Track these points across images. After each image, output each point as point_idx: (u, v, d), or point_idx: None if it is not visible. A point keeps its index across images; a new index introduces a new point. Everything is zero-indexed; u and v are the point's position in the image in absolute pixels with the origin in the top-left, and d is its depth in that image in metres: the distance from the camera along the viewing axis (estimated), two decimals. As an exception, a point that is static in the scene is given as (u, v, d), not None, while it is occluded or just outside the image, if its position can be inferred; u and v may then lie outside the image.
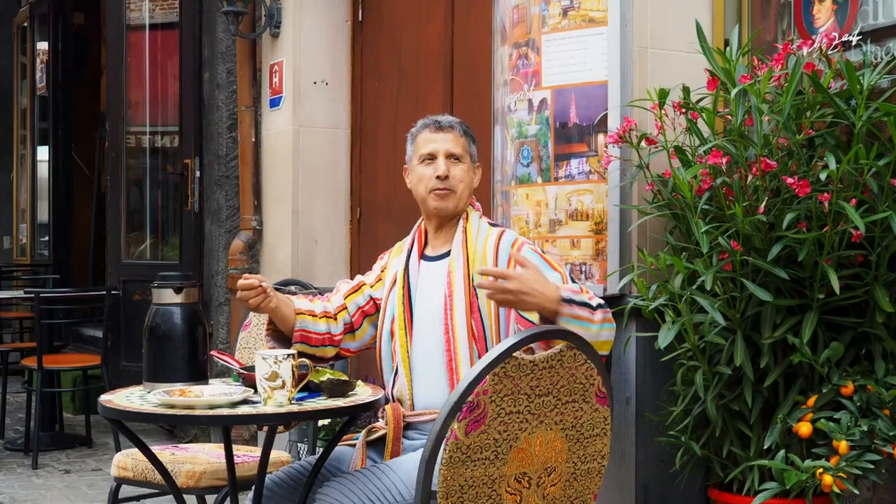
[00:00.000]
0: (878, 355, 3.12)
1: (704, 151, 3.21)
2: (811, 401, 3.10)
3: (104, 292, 6.82)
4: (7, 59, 11.77)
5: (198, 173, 6.98)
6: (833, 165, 2.95)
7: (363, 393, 3.06)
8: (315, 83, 5.96)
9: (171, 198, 7.66)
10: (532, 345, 2.58)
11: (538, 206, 3.86)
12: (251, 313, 4.31)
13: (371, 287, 3.41)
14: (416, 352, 3.21)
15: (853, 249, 3.09)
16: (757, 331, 3.21)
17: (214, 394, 2.96)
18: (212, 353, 3.38)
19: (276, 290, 3.25)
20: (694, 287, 3.20)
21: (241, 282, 3.14)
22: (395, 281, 3.33)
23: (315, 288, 4.83)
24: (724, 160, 3.14)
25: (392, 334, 3.27)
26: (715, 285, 3.20)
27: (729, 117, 3.27)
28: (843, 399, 3.06)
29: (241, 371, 3.15)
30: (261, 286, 3.13)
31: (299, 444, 5.22)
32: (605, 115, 3.70)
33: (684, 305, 3.20)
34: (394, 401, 3.24)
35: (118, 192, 7.81)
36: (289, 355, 2.85)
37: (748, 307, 3.20)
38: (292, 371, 2.86)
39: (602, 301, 2.91)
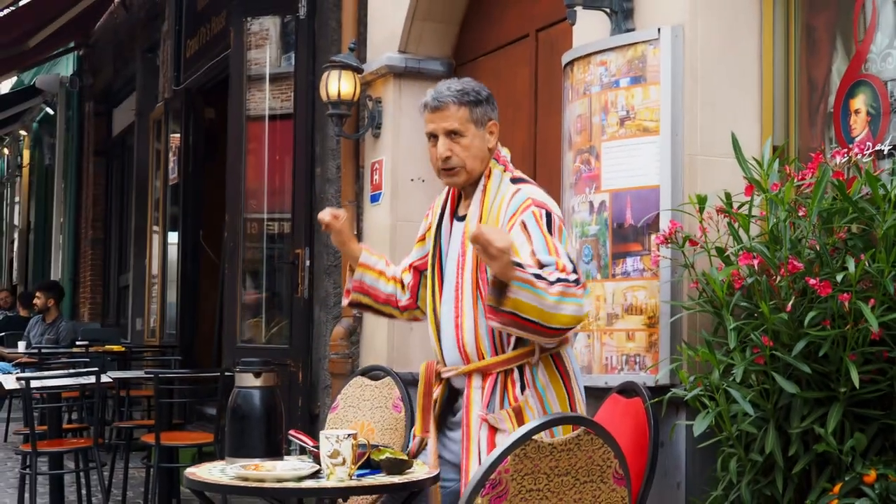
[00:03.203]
0: (901, 446, 3.32)
1: (735, 253, 3.48)
2: (837, 488, 3.31)
3: (218, 373, 7.25)
4: (144, 151, 12.50)
5: (308, 262, 7.41)
6: (852, 268, 3.19)
7: (420, 471, 3.35)
8: (412, 180, 6.35)
9: (284, 284, 8.09)
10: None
11: (598, 300, 4.15)
12: (339, 397, 4.65)
13: (418, 264, 3.73)
14: (444, 309, 3.49)
15: (879, 346, 3.31)
16: (789, 420, 3.43)
17: (285, 469, 3.29)
18: (289, 432, 3.71)
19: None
20: (730, 379, 3.45)
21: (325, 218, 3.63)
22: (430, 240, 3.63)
23: (411, 374, 5.16)
24: (756, 261, 3.40)
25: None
26: (750, 377, 3.44)
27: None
28: (865, 487, 3.25)
29: (312, 449, 3.48)
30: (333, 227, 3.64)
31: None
32: (658, 217, 3.99)
33: (720, 396, 3.45)
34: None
35: (234, 280, 8.28)
36: (349, 435, 3.17)
37: (780, 398, 3.43)
38: (352, 449, 3.18)
39: (568, 277, 3.13)
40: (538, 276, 3.09)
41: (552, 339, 3.27)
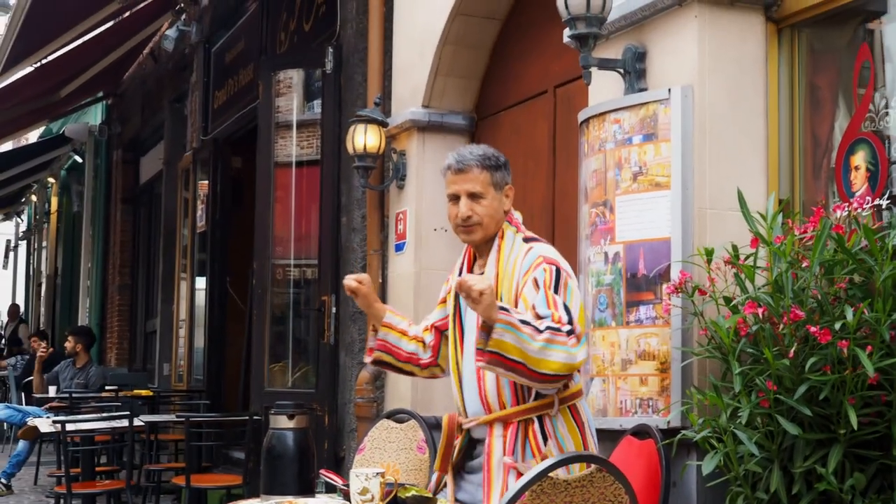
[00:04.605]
0: (899, 485, 3.51)
1: (741, 302, 3.69)
2: (838, 525, 3.50)
3: (247, 417, 7.47)
4: (172, 199, 12.77)
5: (334, 309, 7.63)
6: (850, 317, 3.39)
7: (444, 508, 3.56)
8: (435, 230, 6.59)
9: (311, 329, 8.30)
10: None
11: (612, 346, 4.36)
12: (366, 439, 4.85)
13: (439, 324, 3.98)
14: (465, 363, 3.72)
15: (877, 390, 3.50)
16: (792, 461, 3.62)
17: (317, 505, 3.51)
18: (321, 471, 3.92)
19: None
20: (737, 421, 3.65)
21: (350, 285, 3.84)
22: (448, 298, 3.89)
23: (434, 417, 5.36)
24: (761, 310, 3.61)
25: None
26: (756, 420, 3.64)
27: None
28: (864, 524, 3.44)
29: (342, 487, 3.68)
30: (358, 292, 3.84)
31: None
32: (669, 268, 4.20)
33: (728, 437, 3.64)
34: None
35: (262, 326, 8.51)
36: (377, 473, 3.38)
37: (784, 439, 3.62)
38: (380, 487, 3.39)
39: (561, 327, 3.36)
40: (525, 322, 3.33)
41: (545, 386, 3.48)
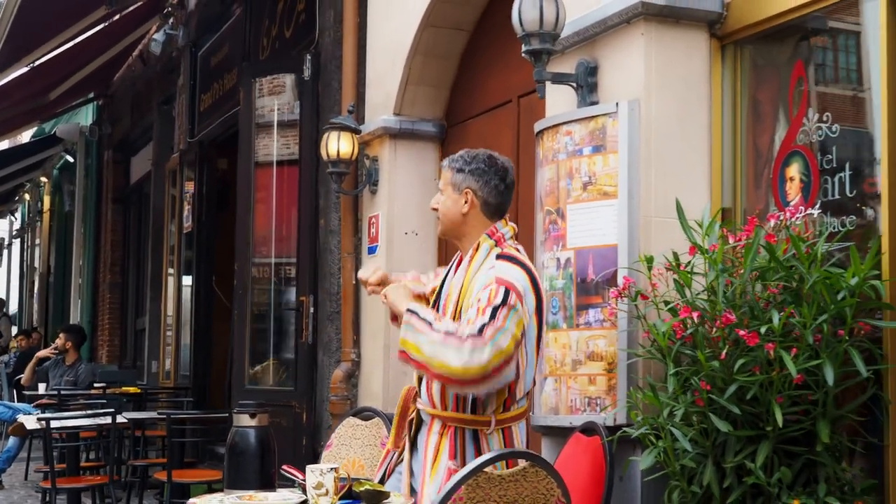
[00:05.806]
0: (822, 478, 3.72)
1: (676, 306, 3.91)
2: (766, 516, 3.72)
3: (227, 415, 7.67)
4: (160, 200, 12.97)
5: (312, 310, 7.84)
6: (776, 321, 3.61)
7: (396, 502, 3.77)
8: (406, 233, 6.81)
9: (290, 328, 8.50)
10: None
11: (563, 348, 4.58)
12: (333, 435, 5.07)
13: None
14: None
15: (804, 389, 3.72)
16: (725, 456, 3.84)
17: (276, 499, 3.72)
18: (282, 467, 4.13)
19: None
20: (674, 419, 3.87)
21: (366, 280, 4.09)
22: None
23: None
24: (695, 314, 3.83)
25: None
26: (692, 418, 3.86)
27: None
28: (790, 515, 3.67)
29: (301, 481, 3.89)
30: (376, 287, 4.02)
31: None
32: (616, 273, 4.42)
33: (666, 434, 3.86)
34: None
35: (243, 325, 8.72)
36: (332, 469, 3.59)
37: (717, 436, 3.84)
38: (334, 482, 3.60)
39: (457, 329, 3.48)
40: (424, 321, 3.55)
41: (454, 387, 3.60)
